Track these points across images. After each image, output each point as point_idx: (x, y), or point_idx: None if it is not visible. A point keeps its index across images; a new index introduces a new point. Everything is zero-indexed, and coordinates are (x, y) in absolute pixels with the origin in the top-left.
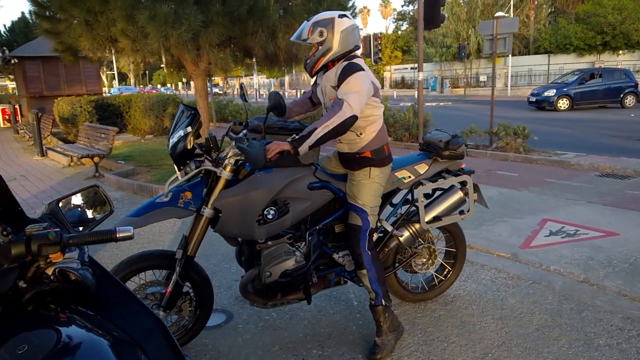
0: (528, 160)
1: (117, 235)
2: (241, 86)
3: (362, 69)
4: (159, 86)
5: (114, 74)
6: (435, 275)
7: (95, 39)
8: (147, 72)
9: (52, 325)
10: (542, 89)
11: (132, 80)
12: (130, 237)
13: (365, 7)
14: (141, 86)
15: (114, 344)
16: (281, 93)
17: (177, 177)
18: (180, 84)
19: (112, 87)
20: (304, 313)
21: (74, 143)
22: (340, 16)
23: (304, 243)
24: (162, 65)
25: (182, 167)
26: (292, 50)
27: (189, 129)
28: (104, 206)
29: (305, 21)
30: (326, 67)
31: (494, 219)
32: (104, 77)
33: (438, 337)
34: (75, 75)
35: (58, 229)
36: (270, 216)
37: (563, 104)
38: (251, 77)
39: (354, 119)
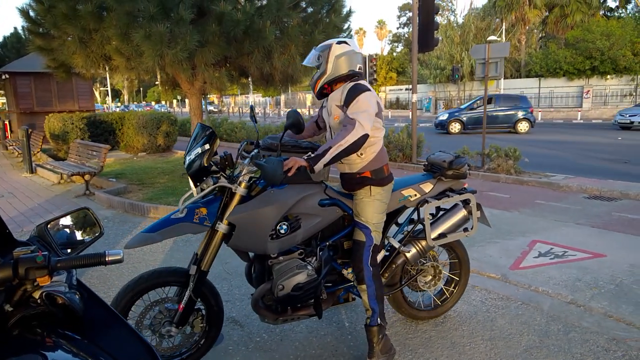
0: (519, 181)
1: (107, 259)
2: (251, 108)
3: (369, 90)
4: (153, 103)
5: (107, 90)
6: (444, 290)
7: (89, 57)
8: (141, 89)
9: (38, 350)
10: (442, 112)
11: (125, 97)
12: (119, 261)
13: (361, 29)
14: (135, 103)
15: None
16: (277, 112)
17: (191, 193)
18: (175, 101)
19: (123, 103)
20: (295, 334)
21: (65, 160)
22: (339, 42)
23: (315, 258)
24: (156, 83)
25: (198, 184)
26: (287, 70)
27: (207, 146)
28: (94, 228)
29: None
30: (330, 89)
31: (484, 240)
32: (97, 94)
33: (428, 358)
34: (67, 92)
35: (46, 253)
36: (282, 231)
37: (454, 127)
38: (247, 95)
39: (365, 137)
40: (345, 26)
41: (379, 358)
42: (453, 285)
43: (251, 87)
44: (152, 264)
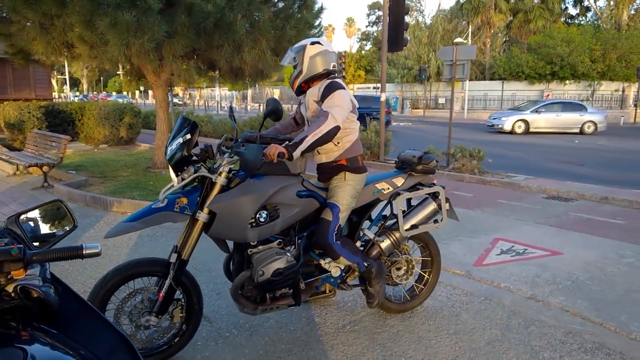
0: (482, 181)
1: (84, 252)
2: (231, 108)
3: (344, 88)
4: (113, 94)
5: (65, 79)
6: (415, 287)
7: (50, 43)
8: (101, 78)
9: (13, 344)
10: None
11: (84, 86)
12: (97, 254)
13: (330, 25)
14: (94, 93)
15: None
16: (243, 106)
17: (172, 184)
18: (137, 92)
19: (82, 92)
20: (265, 330)
21: (21, 151)
22: (313, 43)
23: (293, 247)
24: (118, 72)
25: (179, 173)
26: (258, 65)
27: (188, 136)
28: (67, 221)
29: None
30: (308, 86)
31: (449, 238)
32: (54, 82)
33: (396, 352)
34: (24, 79)
35: (21, 245)
36: (262, 219)
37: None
38: (213, 88)
39: (337, 129)
40: (317, 22)
41: (377, 284)
42: (423, 282)
43: (218, 81)
44: (116, 259)
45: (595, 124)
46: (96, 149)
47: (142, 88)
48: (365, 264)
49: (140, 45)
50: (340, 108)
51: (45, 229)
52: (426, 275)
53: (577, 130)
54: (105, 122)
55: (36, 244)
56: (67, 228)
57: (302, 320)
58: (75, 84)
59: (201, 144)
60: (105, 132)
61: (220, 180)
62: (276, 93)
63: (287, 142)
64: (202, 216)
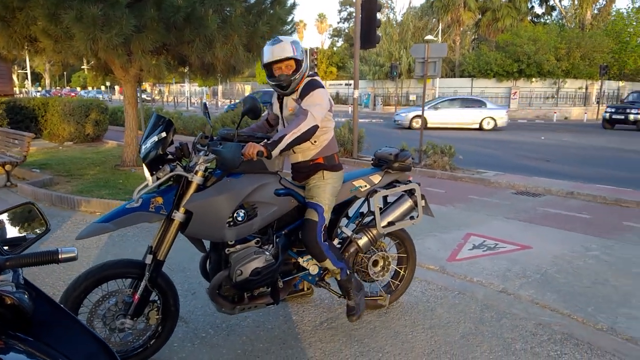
0: (453, 177)
1: (60, 257)
2: (204, 105)
3: (323, 86)
4: (78, 89)
5: (26, 74)
6: (391, 283)
7: (12, 37)
8: (65, 73)
9: None
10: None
11: (47, 81)
12: (73, 259)
13: (301, 21)
14: (57, 88)
15: None
16: (214, 102)
17: (146, 184)
18: (103, 87)
19: (44, 87)
20: (242, 329)
21: None
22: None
23: (271, 246)
24: (83, 67)
25: (154, 172)
26: (230, 61)
27: (163, 134)
28: (38, 224)
29: (272, 43)
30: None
31: (423, 234)
32: (14, 77)
33: (374, 347)
34: None
35: None
36: (240, 218)
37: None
38: (182, 84)
39: (315, 128)
40: (289, 18)
41: (356, 297)
42: (399, 278)
43: (188, 76)
44: (86, 261)
45: (494, 119)
46: (61, 146)
47: (108, 84)
48: (348, 272)
49: (107, 39)
50: (319, 107)
51: (14, 232)
52: (402, 272)
53: (477, 126)
54: (70, 119)
55: (6, 248)
56: (39, 231)
57: (280, 319)
58: (37, 78)
59: (176, 142)
60: (71, 128)
61: (197, 179)
62: (247, 89)
63: (265, 141)
64: (179, 216)
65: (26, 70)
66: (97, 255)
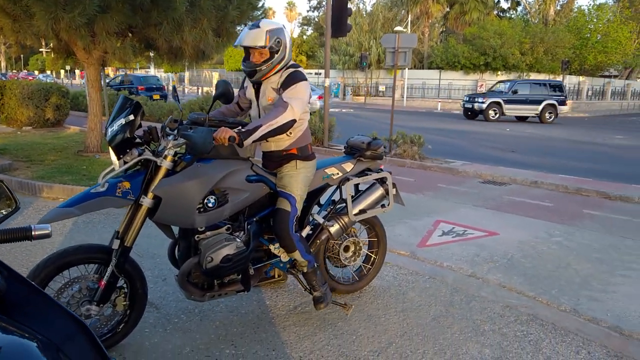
0: (422, 167)
1: (33, 233)
2: (174, 88)
3: (306, 79)
4: (36, 72)
5: None
6: (362, 267)
7: None
8: (22, 56)
9: None
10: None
11: (3, 64)
12: (47, 236)
13: (270, 9)
14: (14, 71)
15: (41, 347)
16: (180, 89)
17: (112, 167)
18: (62, 71)
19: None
20: (215, 314)
21: None
22: (284, 26)
23: (242, 232)
24: (41, 50)
25: (121, 156)
26: (199, 45)
27: (131, 117)
28: (8, 202)
29: (247, 28)
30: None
31: (394, 221)
32: None
33: (347, 330)
34: None
35: None
36: (210, 204)
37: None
38: (147, 70)
39: (293, 122)
40: (260, 4)
41: (322, 287)
42: (371, 262)
43: (153, 61)
44: (50, 247)
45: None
46: (19, 131)
47: (68, 67)
48: (315, 265)
49: (70, 19)
50: (300, 101)
51: None
52: (373, 255)
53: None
54: (29, 103)
55: None
56: (8, 210)
57: (254, 304)
58: None
59: (144, 126)
60: (30, 113)
61: (166, 164)
62: (215, 76)
63: (239, 128)
64: (147, 201)
65: None
66: (61, 242)
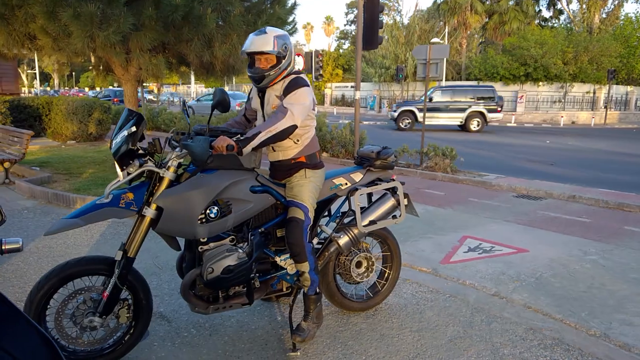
0: (454, 180)
1: (3, 247)
2: (183, 102)
3: (308, 85)
4: (86, 89)
5: (35, 73)
6: (377, 283)
7: (11, 35)
8: (73, 73)
9: None
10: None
11: (55, 81)
12: (18, 250)
13: (309, 24)
14: (66, 88)
15: None
16: None
17: (118, 180)
18: (111, 88)
19: (52, 87)
20: (225, 329)
21: None
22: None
23: (246, 244)
24: (90, 67)
25: (124, 168)
26: (229, 60)
27: (133, 129)
28: None
29: (253, 34)
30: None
31: (418, 235)
32: (24, 77)
33: (357, 350)
34: None
35: None
36: (212, 215)
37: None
38: (188, 85)
39: (294, 127)
40: (290, 19)
41: (312, 323)
42: (385, 277)
43: (192, 77)
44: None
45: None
46: (63, 145)
47: (115, 84)
48: (317, 290)
49: (105, 37)
50: (302, 106)
51: None
52: (387, 270)
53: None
54: (73, 118)
55: None
56: None
57: (265, 319)
58: (46, 78)
59: (149, 138)
60: (74, 127)
61: (168, 174)
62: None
63: (238, 136)
64: (149, 212)
65: (35, 70)
66: (87, 252)
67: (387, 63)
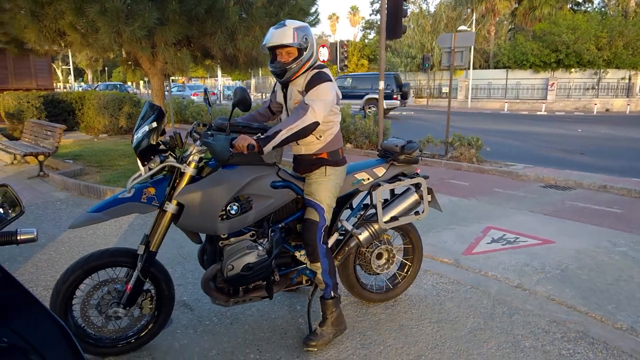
0: (480, 170)
1: (18, 237)
2: (205, 91)
3: (331, 80)
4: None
5: (69, 69)
6: (397, 274)
7: (42, 31)
8: (105, 68)
9: None
10: None
11: (89, 77)
12: (33, 240)
13: (334, 14)
14: (99, 83)
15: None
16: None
17: (140, 174)
18: (142, 82)
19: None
20: (246, 317)
21: (19, 140)
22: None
23: (266, 239)
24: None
25: (146, 163)
26: (252, 53)
27: (154, 124)
28: (15, 207)
29: (275, 27)
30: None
31: (441, 226)
32: (59, 72)
33: (375, 340)
34: (24, 69)
35: None
36: (233, 211)
37: None
38: (216, 78)
39: (316, 124)
40: (313, 9)
41: (328, 329)
42: (406, 269)
43: (220, 70)
44: (105, 247)
45: None
46: (96, 138)
47: (146, 79)
48: (332, 294)
49: (130, 32)
50: (323, 103)
51: None
52: (408, 263)
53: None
54: (104, 112)
55: None
56: (14, 213)
57: (284, 309)
58: (80, 74)
59: (170, 132)
60: (105, 121)
61: (189, 170)
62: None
63: (259, 135)
64: (171, 207)
65: (69, 66)
66: (116, 243)
67: (413, 52)
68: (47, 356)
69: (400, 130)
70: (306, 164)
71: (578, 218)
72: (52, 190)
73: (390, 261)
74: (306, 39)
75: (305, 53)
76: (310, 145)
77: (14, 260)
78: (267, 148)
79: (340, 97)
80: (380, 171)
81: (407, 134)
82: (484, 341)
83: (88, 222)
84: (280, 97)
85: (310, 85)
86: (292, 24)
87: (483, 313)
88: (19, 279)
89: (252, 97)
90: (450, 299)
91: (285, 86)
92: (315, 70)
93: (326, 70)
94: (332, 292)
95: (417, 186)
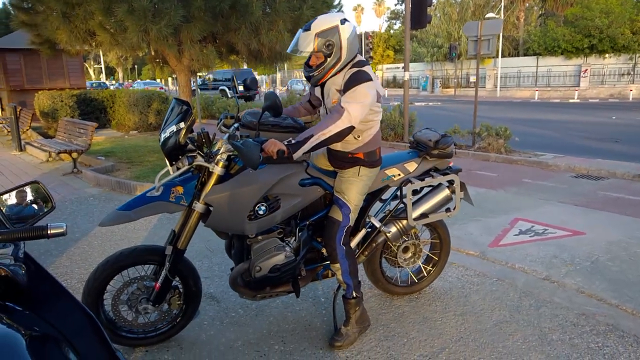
0: (508, 160)
1: (49, 232)
2: (232, 77)
3: (371, 79)
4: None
5: (101, 68)
6: (422, 268)
7: (73, 32)
8: (135, 66)
9: None
10: None
11: (120, 75)
12: (62, 234)
13: (359, 5)
14: (129, 81)
15: (33, 339)
16: (273, 90)
17: (168, 170)
18: (170, 79)
19: (117, 80)
20: (271, 310)
21: (54, 138)
22: (343, 21)
23: (294, 238)
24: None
25: (174, 162)
26: (275, 47)
27: (182, 124)
28: (46, 202)
29: (301, 30)
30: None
31: (467, 218)
32: (91, 71)
33: (399, 332)
34: (57, 69)
35: None
36: (261, 212)
37: None
38: None
39: (350, 129)
40: (336, 1)
41: (353, 328)
42: (432, 264)
43: (245, 64)
44: (135, 241)
45: None
46: (126, 135)
47: (173, 75)
48: (354, 294)
49: (157, 30)
50: (360, 105)
51: (26, 209)
52: (435, 257)
53: None
54: (134, 109)
55: (21, 224)
56: (45, 208)
57: (309, 301)
58: (111, 72)
59: (197, 129)
60: (135, 118)
61: (218, 170)
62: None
63: (290, 140)
64: (199, 207)
65: (101, 65)
66: (146, 237)
67: (440, 42)
68: (76, 344)
69: (426, 120)
70: (341, 160)
71: (610, 208)
72: (85, 186)
73: (417, 255)
74: (329, 44)
75: (329, 59)
76: (347, 143)
77: (49, 254)
78: (298, 154)
79: (384, 94)
80: (412, 166)
81: (432, 125)
82: (509, 334)
83: (117, 222)
84: (318, 92)
85: (348, 85)
86: (317, 27)
87: (509, 306)
88: (54, 272)
89: (277, 91)
90: (475, 292)
91: (321, 84)
92: (355, 69)
93: (366, 68)
94: (353, 292)
95: (450, 181)
